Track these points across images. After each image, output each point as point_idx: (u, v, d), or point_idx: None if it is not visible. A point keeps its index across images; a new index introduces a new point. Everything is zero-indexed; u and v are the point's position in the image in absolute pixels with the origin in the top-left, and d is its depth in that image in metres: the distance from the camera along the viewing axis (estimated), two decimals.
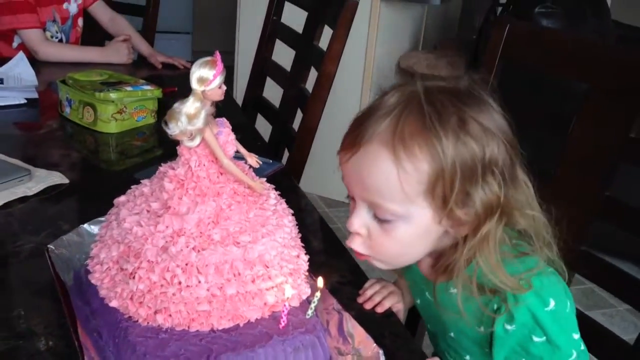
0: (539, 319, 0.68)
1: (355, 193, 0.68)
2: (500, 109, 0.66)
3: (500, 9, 3.12)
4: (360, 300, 0.83)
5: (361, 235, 0.69)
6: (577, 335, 0.72)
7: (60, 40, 1.93)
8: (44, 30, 1.87)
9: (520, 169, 0.68)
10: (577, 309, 0.84)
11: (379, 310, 0.81)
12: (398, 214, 0.65)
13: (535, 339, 0.70)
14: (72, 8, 1.94)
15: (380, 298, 0.82)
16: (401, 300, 0.85)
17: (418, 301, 0.83)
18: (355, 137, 0.66)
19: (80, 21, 2.00)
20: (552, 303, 0.69)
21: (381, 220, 0.67)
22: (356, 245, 0.70)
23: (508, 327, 0.69)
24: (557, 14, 2.30)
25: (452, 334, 0.78)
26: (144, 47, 1.97)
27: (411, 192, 0.63)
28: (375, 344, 0.70)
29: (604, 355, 0.92)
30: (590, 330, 0.91)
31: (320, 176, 2.81)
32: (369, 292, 0.83)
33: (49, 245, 0.83)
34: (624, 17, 2.84)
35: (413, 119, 0.62)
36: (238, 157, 0.72)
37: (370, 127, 0.64)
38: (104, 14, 2.03)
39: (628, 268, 0.91)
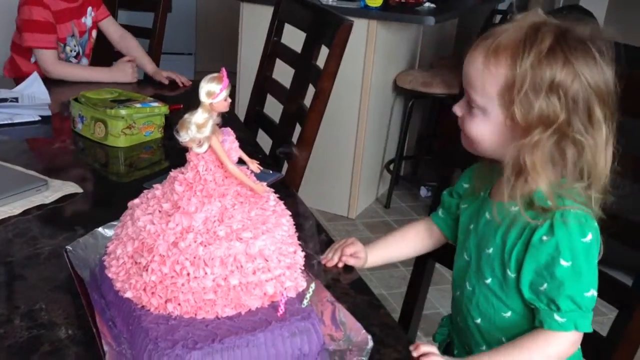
0: (573, 243, 0.79)
1: (464, 85, 0.86)
2: (607, 68, 0.80)
3: None
4: (323, 262, 0.97)
5: (458, 116, 0.88)
6: (595, 285, 0.82)
7: (78, 53, 2.02)
8: (64, 45, 1.96)
9: (605, 125, 0.80)
10: None
11: (341, 264, 0.97)
12: (479, 105, 0.83)
13: (563, 262, 0.79)
14: (88, 21, 2.04)
15: (337, 256, 0.97)
16: (362, 249, 0.99)
17: (472, 226, 0.93)
18: (471, 46, 0.85)
19: (94, 33, 2.09)
20: (589, 236, 0.80)
21: (470, 107, 0.84)
22: (459, 122, 0.88)
23: (545, 237, 0.80)
24: None
25: (490, 250, 0.88)
26: (149, 66, 2.06)
27: (490, 89, 0.81)
28: (364, 331, 0.77)
29: (589, 351, 0.99)
30: None
31: (320, 191, 2.89)
32: (329, 255, 0.98)
33: (67, 247, 0.91)
34: (617, 36, 2.93)
35: (512, 37, 0.79)
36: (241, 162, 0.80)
37: (481, 40, 0.83)
38: (114, 31, 2.12)
39: (618, 276, 0.96)
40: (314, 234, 1.11)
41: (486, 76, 0.80)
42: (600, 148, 0.80)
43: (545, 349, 0.82)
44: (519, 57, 0.78)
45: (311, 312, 0.77)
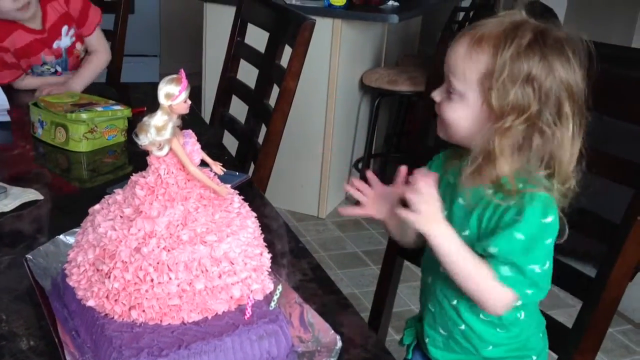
0: (534, 221, 0.83)
1: (445, 72, 0.89)
2: (578, 68, 0.84)
3: (456, 26, 3.26)
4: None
5: (436, 102, 0.91)
6: (547, 264, 0.85)
7: (55, 72, 1.91)
8: (31, 70, 1.87)
9: (572, 122, 0.84)
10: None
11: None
12: (457, 90, 0.86)
13: (518, 235, 0.83)
14: (64, 42, 1.90)
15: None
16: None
17: (445, 213, 0.93)
18: (455, 38, 0.89)
19: (78, 45, 1.94)
20: (549, 218, 0.84)
21: (449, 93, 0.88)
22: (436, 108, 0.92)
23: (517, 217, 0.84)
24: None
25: (466, 233, 0.91)
26: (71, 83, 1.83)
27: (470, 75, 0.85)
28: (332, 331, 0.77)
29: (556, 343, 1.00)
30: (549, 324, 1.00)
31: (289, 191, 2.88)
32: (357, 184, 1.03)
33: (27, 255, 0.88)
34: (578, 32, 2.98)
35: (494, 30, 0.84)
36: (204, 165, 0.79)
37: (465, 31, 0.87)
38: (90, 45, 1.96)
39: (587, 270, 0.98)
40: (282, 235, 1.10)
41: (468, 63, 0.85)
42: (566, 142, 0.84)
43: (491, 291, 0.85)
44: (501, 47, 0.83)
45: (279, 315, 0.76)
